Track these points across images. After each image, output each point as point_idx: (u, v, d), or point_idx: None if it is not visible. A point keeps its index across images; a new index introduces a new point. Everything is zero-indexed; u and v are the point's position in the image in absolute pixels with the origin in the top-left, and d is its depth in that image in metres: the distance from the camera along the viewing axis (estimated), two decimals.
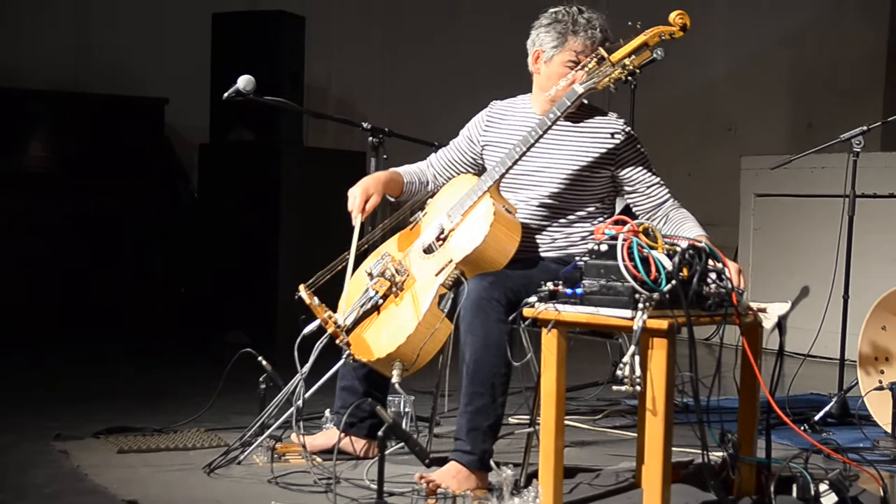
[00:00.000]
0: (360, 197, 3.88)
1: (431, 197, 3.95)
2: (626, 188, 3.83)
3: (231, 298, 6.86)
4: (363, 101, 8.19)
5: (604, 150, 3.78)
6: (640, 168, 3.81)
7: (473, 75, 7.68)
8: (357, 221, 3.85)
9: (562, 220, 3.80)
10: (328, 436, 3.91)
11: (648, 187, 3.81)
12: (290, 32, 6.98)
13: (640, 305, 3.06)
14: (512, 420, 4.36)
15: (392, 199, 4.06)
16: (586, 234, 3.77)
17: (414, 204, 4.02)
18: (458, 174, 4.01)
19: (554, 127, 3.71)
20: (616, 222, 3.21)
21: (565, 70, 3.77)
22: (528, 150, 3.67)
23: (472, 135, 4.01)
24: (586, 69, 3.67)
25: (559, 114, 3.64)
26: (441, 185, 4.05)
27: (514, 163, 3.68)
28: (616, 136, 3.79)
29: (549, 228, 3.80)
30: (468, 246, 3.58)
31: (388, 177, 4.01)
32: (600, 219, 3.80)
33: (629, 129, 3.84)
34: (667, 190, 3.84)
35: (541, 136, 3.66)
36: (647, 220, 3.75)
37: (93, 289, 6.79)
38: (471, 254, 3.57)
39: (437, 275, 3.61)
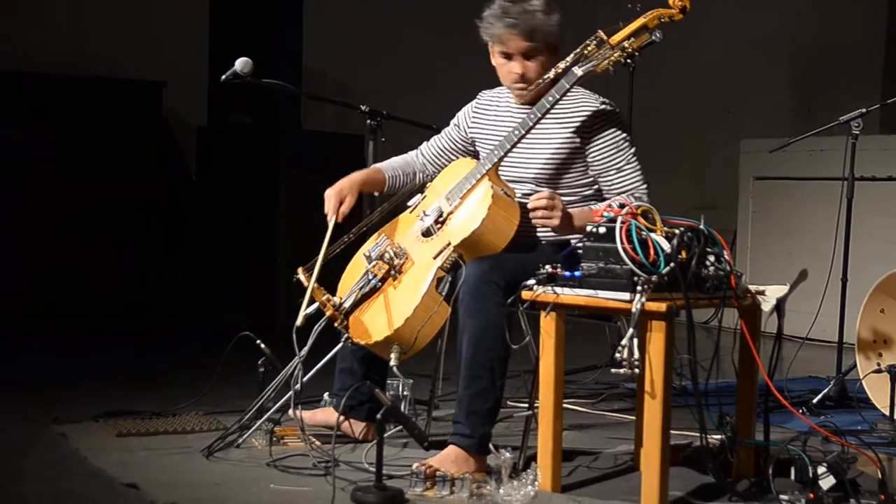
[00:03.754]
0: (334, 199, 3.88)
1: (430, 181, 3.95)
2: (591, 170, 3.74)
3: (230, 282, 6.86)
4: (362, 84, 8.16)
5: (575, 129, 3.73)
6: (605, 150, 3.70)
7: (473, 58, 7.65)
8: (331, 224, 3.85)
9: None
10: (328, 412, 3.90)
11: (608, 173, 3.70)
12: (288, 15, 6.96)
13: (639, 288, 3.07)
14: (510, 403, 4.36)
15: (376, 195, 4.06)
16: None
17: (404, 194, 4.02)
18: (450, 162, 4.01)
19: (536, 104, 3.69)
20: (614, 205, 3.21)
21: (502, 61, 3.77)
22: (527, 132, 3.66)
23: (460, 124, 4.01)
24: (581, 53, 3.64)
25: (558, 97, 3.62)
26: (431, 173, 4.05)
27: (513, 146, 3.67)
28: (587, 112, 3.72)
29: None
30: (466, 229, 3.58)
31: (364, 177, 4.00)
32: (594, 202, 3.77)
33: (605, 106, 3.74)
34: (629, 182, 3.68)
35: (539, 119, 3.64)
36: None
37: (91, 272, 6.79)
38: (469, 237, 3.57)
39: (435, 258, 3.61)
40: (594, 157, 3.73)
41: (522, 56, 3.75)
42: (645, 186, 3.70)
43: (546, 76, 3.73)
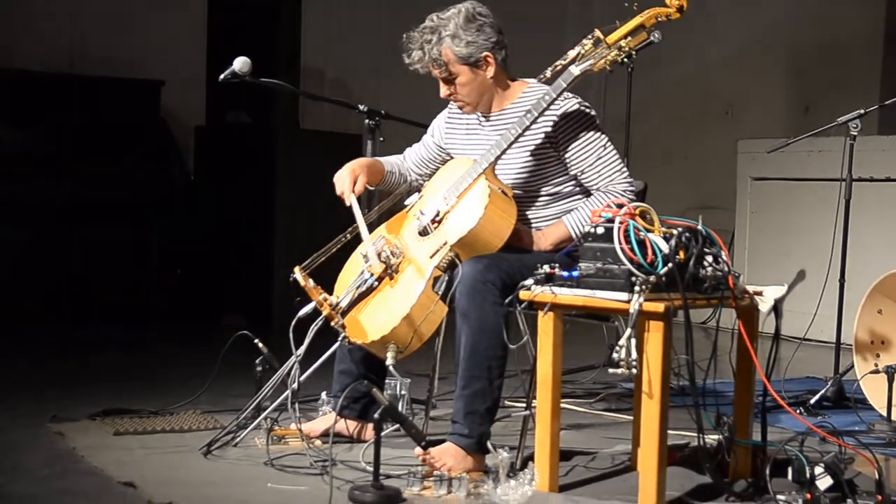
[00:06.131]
0: (349, 178, 3.89)
1: (426, 182, 3.95)
2: (571, 171, 3.75)
3: (227, 281, 6.85)
4: (360, 84, 8.16)
5: (546, 133, 3.72)
6: (579, 153, 3.72)
7: None
8: (353, 200, 3.85)
9: (537, 203, 3.78)
10: (325, 421, 3.90)
11: (586, 174, 3.72)
12: (286, 14, 6.95)
13: (637, 288, 3.07)
14: (508, 403, 4.36)
15: (371, 188, 4.05)
16: (564, 213, 3.75)
17: (396, 194, 4.03)
18: (432, 171, 4.01)
19: (501, 111, 3.74)
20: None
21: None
22: (524, 131, 3.65)
23: (435, 135, 4.03)
24: (580, 51, 3.63)
25: (555, 96, 3.62)
26: (415, 179, 4.06)
27: (510, 145, 3.66)
28: (555, 116, 3.70)
29: (524, 214, 3.78)
30: (463, 228, 3.58)
31: (370, 162, 4.02)
32: (576, 198, 3.77)
33: (571, 106, 3.71)
34: (605, 178, 3.70)
35: (536, 118, 3.64)
36: None
37: (87, 271, 6.78)
38: (465, 235, 3.57)
39: (431, 257, 3.61)
40: (570, 159, 3.73)
41: (443, 81, 3.78)
42: (625, 177, 3.70)
43: (541, 75, 3.74)
